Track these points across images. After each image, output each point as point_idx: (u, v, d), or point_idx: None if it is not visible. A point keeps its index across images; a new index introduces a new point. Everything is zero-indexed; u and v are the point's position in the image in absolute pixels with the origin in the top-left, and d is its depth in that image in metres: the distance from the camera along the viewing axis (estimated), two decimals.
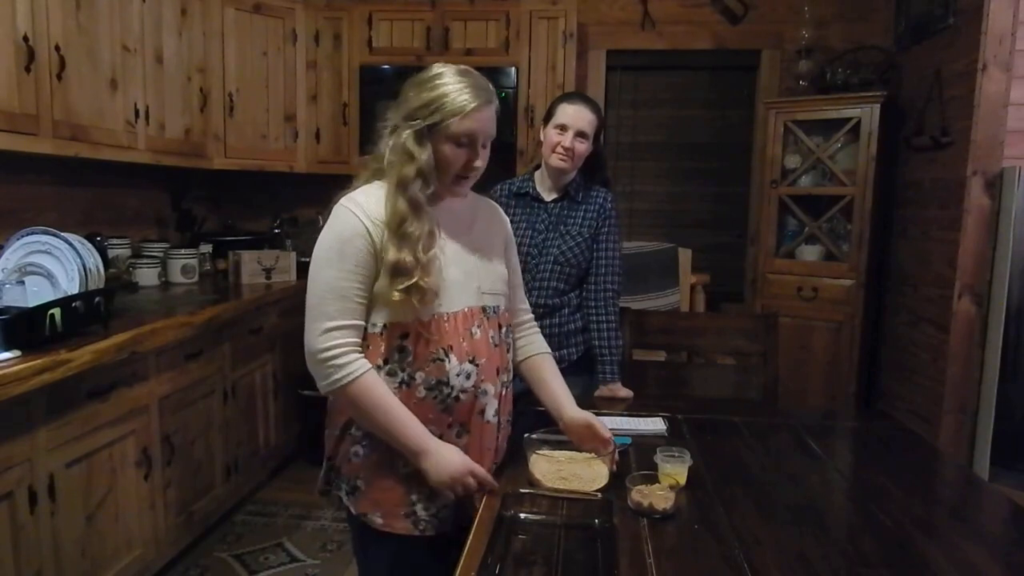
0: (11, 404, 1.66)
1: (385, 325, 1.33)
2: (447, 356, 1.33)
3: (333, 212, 1.34)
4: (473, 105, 1.29)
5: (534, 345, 1.60)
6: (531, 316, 1.64)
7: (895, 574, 1.11)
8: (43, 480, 1.81)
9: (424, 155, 1.30)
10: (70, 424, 1.90)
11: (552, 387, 1.54)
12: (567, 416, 1.49)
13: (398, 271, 1.27)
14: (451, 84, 1.30)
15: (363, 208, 1.31)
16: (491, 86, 1.35)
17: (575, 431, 1.47)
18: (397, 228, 1.28)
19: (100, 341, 1.96)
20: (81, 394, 1.94)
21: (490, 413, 1.39)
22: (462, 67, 1.35)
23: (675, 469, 1.36)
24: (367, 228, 1.29)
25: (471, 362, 1.35)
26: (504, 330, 1.45)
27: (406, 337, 1.32)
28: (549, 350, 1.62)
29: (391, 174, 1.32)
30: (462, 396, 1.35)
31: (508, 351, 1.47)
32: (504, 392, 1.44)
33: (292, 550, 2.66)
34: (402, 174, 1.30)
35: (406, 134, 1.31)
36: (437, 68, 1.34)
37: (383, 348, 1.32)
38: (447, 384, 1.33)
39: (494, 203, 1.59)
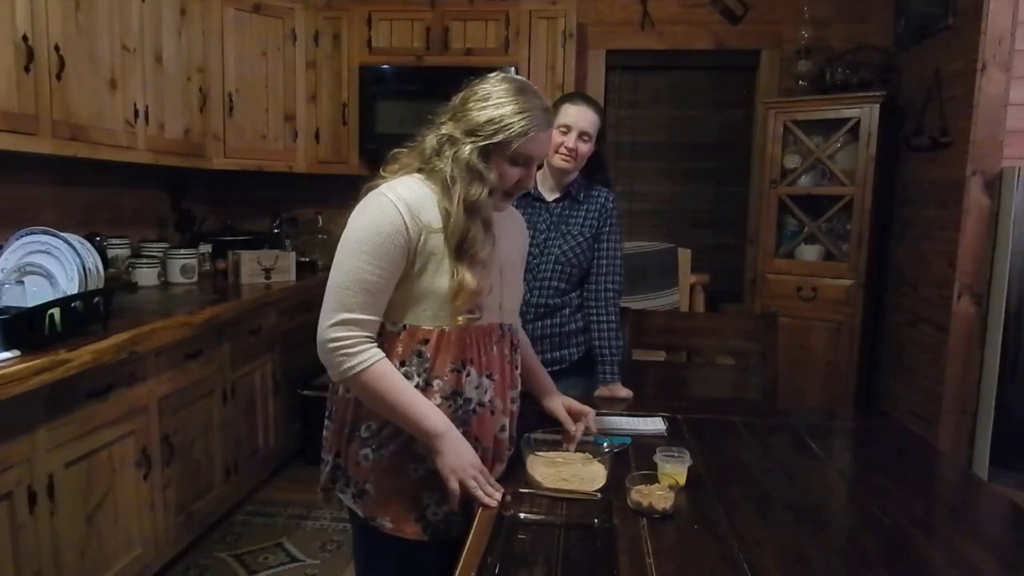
0: (10, 404, 1.66)
1: (405, 326, 1.31)
2: (466, 368, 1.32)
3: (374, 200, 1.29)
4: (538, 129, 1.30)
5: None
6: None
7: (895, 574, 1.11)
8: (42, 480, 1.81)
9: (492, 175, 1.28)
10: (69, 424, 1.90)
11: (534, 371, 1.62)
12: (546, 406, 1.59)
13: (467, 291, 1.26)
14: (516, 104, 1.28)
15: (406, 203, 1.27)
16: (549, 105, 1.37)
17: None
18: (464, 247, 1.26)
19: (99, 341, 1.96)
20: (80, 394, 1.94)
21: (497, 427, 1.39)
22: (521, 82, 1.33)
23: (675, 469, 1.36)
24: (407, 225, 1.26)
25: (488, 377, 1.35)
26: (513, 347, 1.45)
27: (426, 343, 1.31)
28: (526, 338, 1.66)
29: (456, 189, 1.28)
30: (479, 409, 1.34)
31: (516, 369, 1.46)
32: (514, 408, 1.44)
33: (292, 550, 2.66)
34: (471, 193, 1.27)
35: (469, 149, 1.28)
36: (498, 84, 1.31)
37: (400, 349, 1.31)
38: (462, 395, 1.33)
39: (518, 213, 1.57)
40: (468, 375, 1.32)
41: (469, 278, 1.25)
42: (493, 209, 1.34)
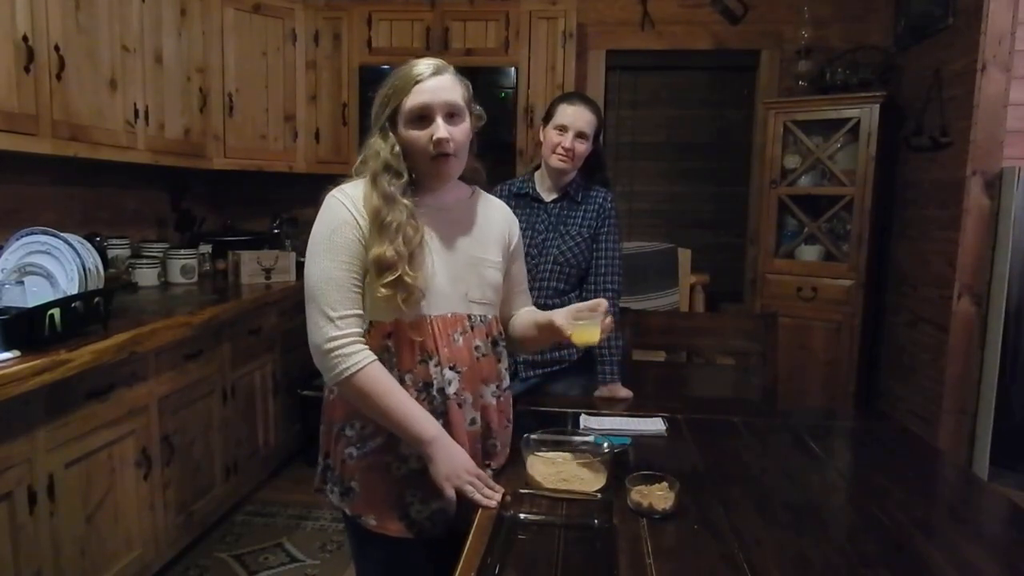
0: (10, 404, 1.66)
1: (371, 323, 1.33)
2: (433, 359, 1.32)
3: (324, 203, 1.35)
4: (417, 79, 1.31)
5: (520, 312, 1.56)
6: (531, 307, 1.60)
7: (895, 574, 1.11)
8: (42, 480, 1.81)
9: (386, 148, 1.32)
10: (69, 424, 1.90)
11: (527, 322, 1.51)
12: (538, 323, 1.46)
13: (381, 266, 1.27)
14: (397, 73, 1.34)
15: (351, 198, 1.32)
16: (443, 62, 1.36)
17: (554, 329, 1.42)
18: (374, 221, 1.29)
19: (99, 341, 1.96)
20: (80, 394, 1.94)
21: (467, 422, 1.37)
22: (412, 60, 1.37)
23: (587, 326, 1.35)
24: (355, 218, 1.30)
25: (452, 369, 1.34)
26: (491, 340, 1.42)
27: (389, 337, 1.32)
28: (531, 306, 1.59)
29: (366, 173, 1.34)
30: (446, 402, 1.34)
31: (499, 362, 1.44)
32: (495, 402, 1.42)
33: (291, 550, 2.66)
34: (372, 170, 1.33)
35: (373, 133, 1.36)
36: None
37: (372, 347, 1.32)
38: (433, 387, 1.33)
39: (504, 206, 1.55)
40: (436, 365, 1.32)
41: (384, 248, 1.26)
42: (439, 177, 1.36)
